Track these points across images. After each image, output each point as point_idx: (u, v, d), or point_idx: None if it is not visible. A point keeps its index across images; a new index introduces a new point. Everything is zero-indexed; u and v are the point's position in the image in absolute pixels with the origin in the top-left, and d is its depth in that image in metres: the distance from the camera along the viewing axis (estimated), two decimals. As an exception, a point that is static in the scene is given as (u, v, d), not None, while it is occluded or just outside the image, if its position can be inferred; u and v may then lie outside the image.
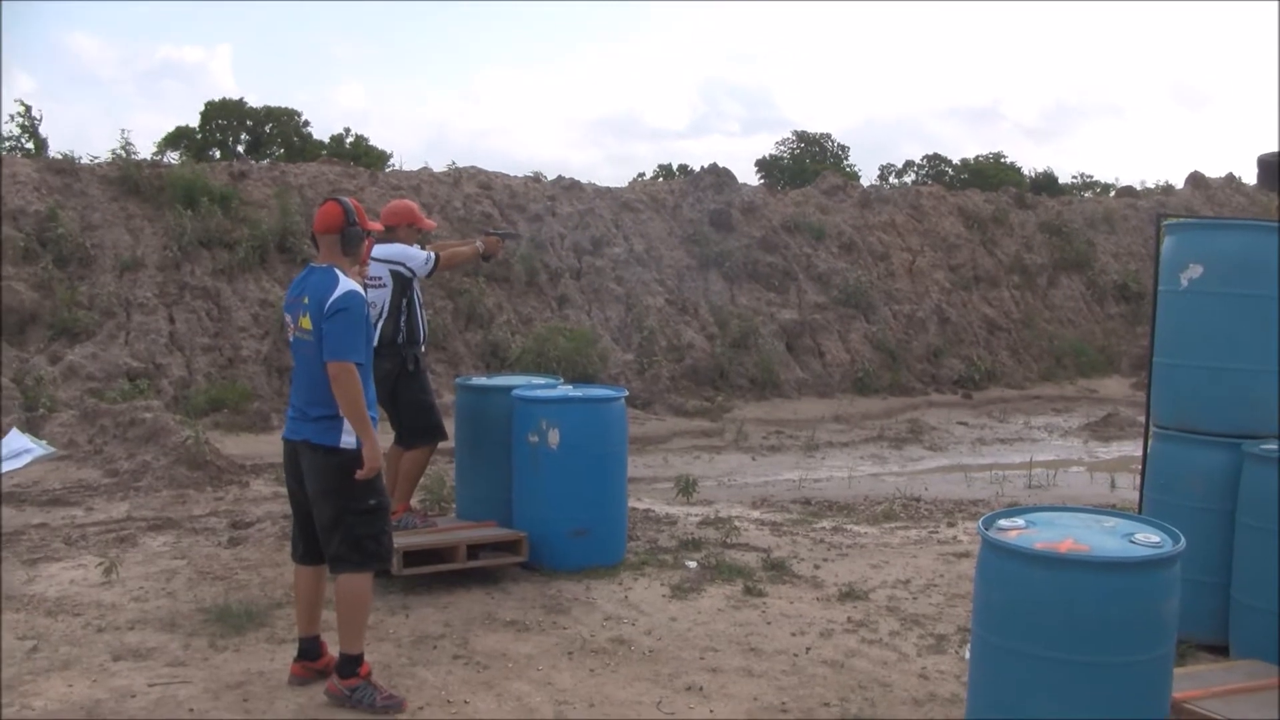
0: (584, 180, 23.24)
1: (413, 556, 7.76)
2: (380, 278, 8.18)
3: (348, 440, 5.83)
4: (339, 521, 5.87)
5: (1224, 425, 6.95)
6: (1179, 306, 7.23)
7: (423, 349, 8.56)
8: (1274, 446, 6.72)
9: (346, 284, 5.85)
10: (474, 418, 9.04)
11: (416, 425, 8.45)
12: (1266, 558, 6.51)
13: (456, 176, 21.80)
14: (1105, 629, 4.49)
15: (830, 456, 15.83)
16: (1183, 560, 4.73)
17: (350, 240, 6.01)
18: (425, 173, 22.17)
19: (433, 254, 8.37)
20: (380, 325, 8.16)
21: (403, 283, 8.26)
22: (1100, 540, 4.76)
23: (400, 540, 7.64)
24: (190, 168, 20.15)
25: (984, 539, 4.82)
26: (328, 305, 5.77)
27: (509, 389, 8.73)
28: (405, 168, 23.41)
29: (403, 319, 8.28)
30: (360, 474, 5.80)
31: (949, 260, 24.55)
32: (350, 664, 5.86)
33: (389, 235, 8.30)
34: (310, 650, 6.20)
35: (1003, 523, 4.99)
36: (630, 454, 10.05)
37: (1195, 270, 7.07)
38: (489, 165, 22.79)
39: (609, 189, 23.22)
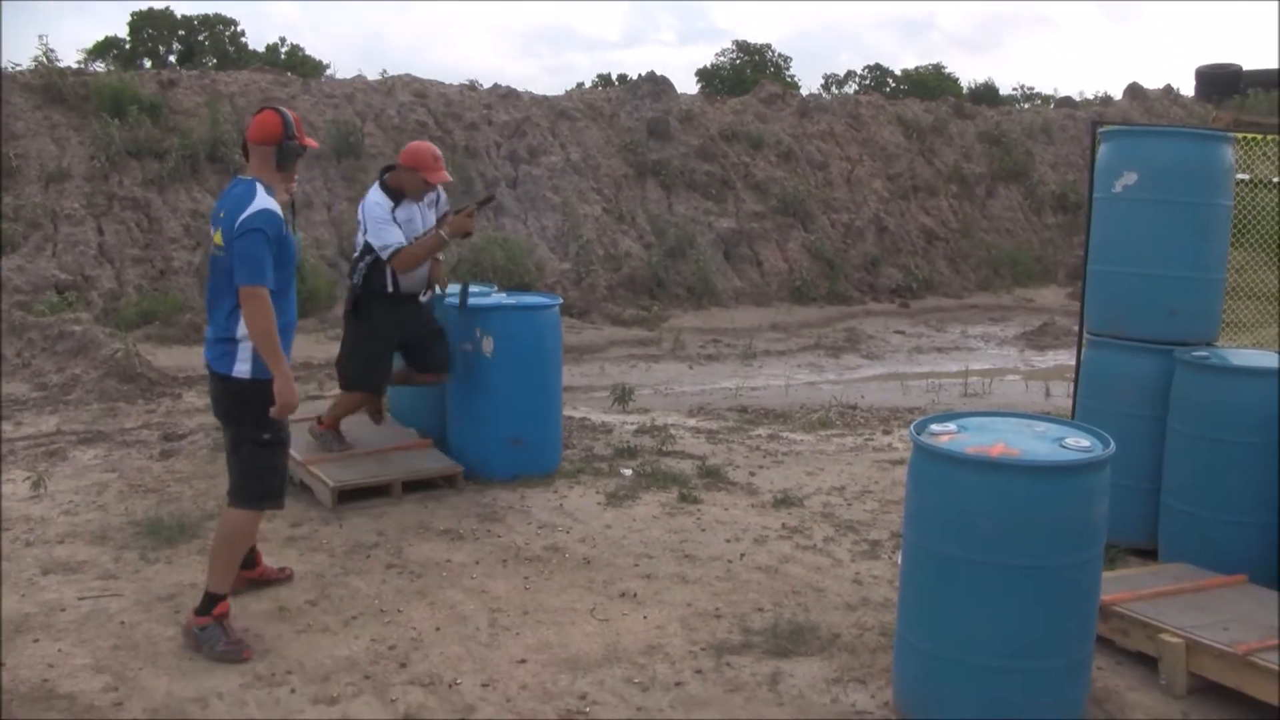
0: (520, 89, 23.00)
1: (347, 495, 7.68)
2: (360, 223, 7.98)
3: (240, 369, 5.54)
4: (236, 450, 5.71)
5: (1156, 332, 6.99)
6: (1113, 213, 7.24)
7: (389, 292, 8.03)
8: (1205, 353, 6.78)
9: (262, 201, 5.49)
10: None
11: (344, 362, 8.36)
12: (1195, 463, 6.58)
13: (390, 85, 21.49)
14: (1035, 532, 4.51)
15: (767, 365, 15.87)
16: (1113, 465, 4.75)
17: (286, 155, 5.67)
18: (359, 81, 21.83)
19: (399, 249, 7.80)
20: (354, 259, 8.08)
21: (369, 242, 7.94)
22: (1031, 444, 4.77)
23: (336, 477, 7.68)
24: (117, 76, 19.75)
25: (915, 443, 4.82)
26: (239, 223, 5.42)
27: (443, 297, 8.66)
28: (340, 76, 23.09)
29: (363, 264, 7.97)
30: (274, 411, 5.54)
31: (887, 169, 24.52)
32: (209, 602, 5.59)
33: (393, 173, 8.00)
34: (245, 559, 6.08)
35: (934, 427, 4.99)
36: (567, 363, 10.05)
37: (1130, 177, 7.08)
38: (425, 76, 22.49)
39: (545, 97, 22.96)
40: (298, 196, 6.26)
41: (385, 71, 22.39)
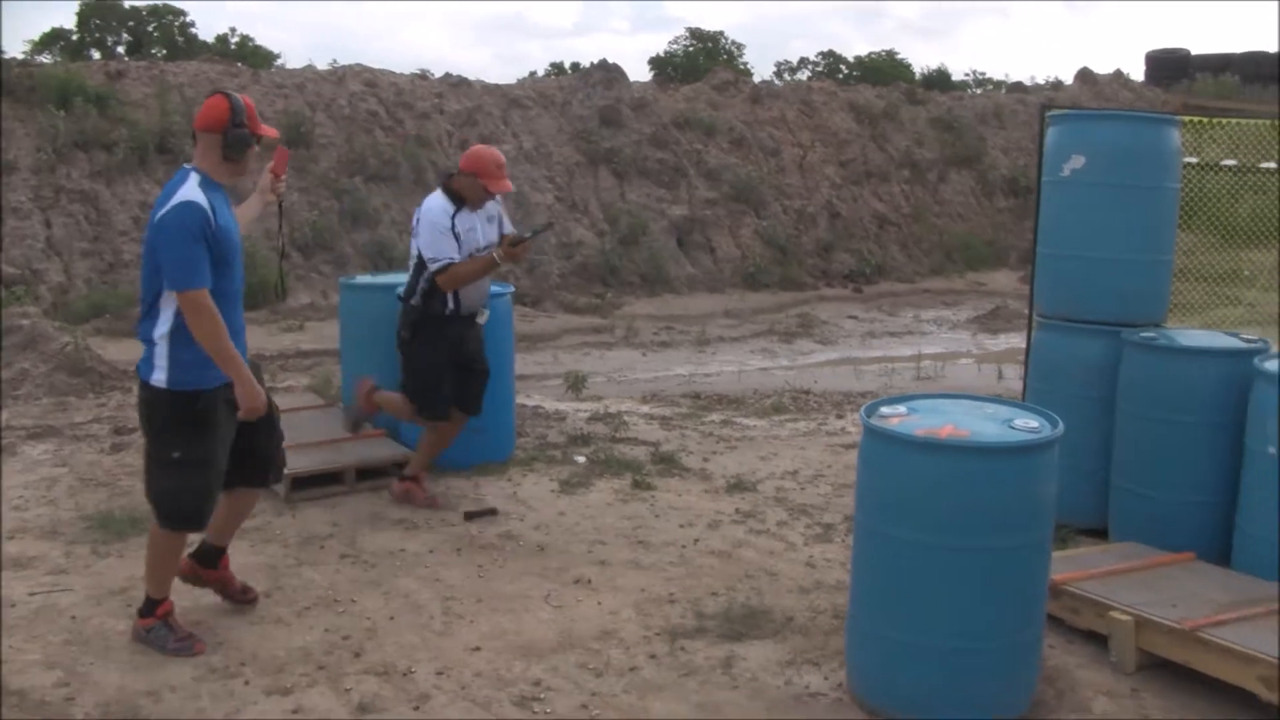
0: (473, 78, 22.93)
1: (301, 481, 7.64)
2: (414, 229, 7.39)
3: (158, 376, 5.14)
4: (150, 465, 5.39)
5: (1104, 314, 7.05)
6: (1061, 197, 7.31)
7: (447, 313, 7.37)
8: (1153, 334, 6.84)
9: (187, 193, 5.03)
10: (359, 317, 8.92)
11: (410, 389, 7.59)
12: (1143, 443, 6.65)
13: (341, 75, 21.38)
14: (984, 513, 4.55)
15: (720, 351, 15.90)
16: (1064, 447, 4.80)
17: (233, 144, 5.18)
18: (310, 71, 21.73)
19: (448, 265, 7.13)
20: (411, 275, 7.40)
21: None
22: (980, 426, 4.80)
23: (290, 465, 7.52)
24: (64, 67, 19.58)
25: (865, 426, 4.84)
26: (157, 217, 5.03)
27: (393, 287, 8.62)
28: (290, 67, 22.97)
29: (421, 281, 7.29)
30: (240, 415, 5.23)
31: (839, 155, 24.58)
32: (150, 605, 5.47)
33: (454, 179, 7.35)
34: (207, 554, 5.79)
35: (885, 410, 5.02)
36: (520, 352, 10.04)
37: (1077, 161, 7.14)
38: (377, 66, 22.39)
39: (497, 86, 22.91)
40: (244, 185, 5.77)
41: (335, 61, 22.29)
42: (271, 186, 5.81)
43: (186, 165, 5.28)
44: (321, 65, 22.43)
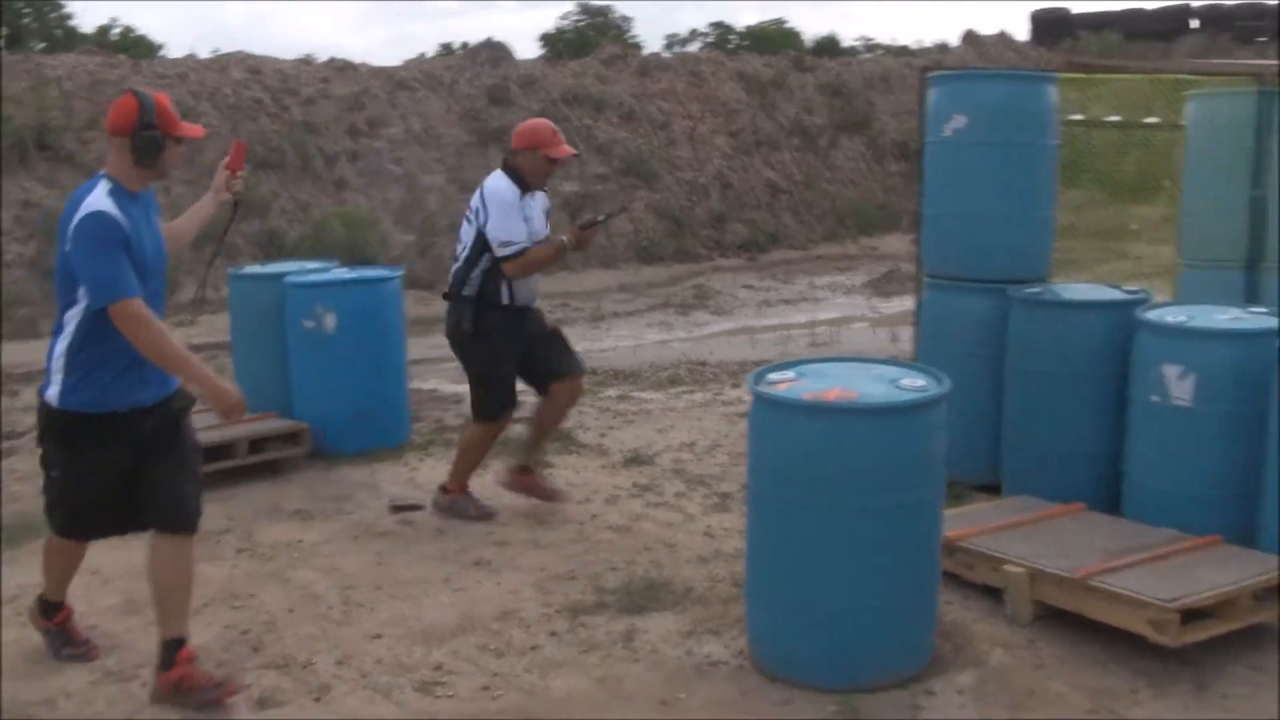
0: (358, 62, 22.73)
1: None
2: (477, 211, 6.79)
3: (50, 392, 4.82)
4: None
5: (989, 271, 7.12)
6: (944, 156, 7.36)
7: (504, 304, 6.82)
8: (1038, 289, 6.93)
9: (92, 202, 4.61)
10: (249, 308, 8.84)
11: (476, 398, 7.17)
12: (1031, 397, 6.74)
13: (224, 63, 21.08)
14: (873, 473, 4.59)
15: (616, 326, 15.92)
16: (954, 404, 4.85)
17: (142, 147, 4.72)
18: (191, 60, 21.38)
19: (523, 250, 6.65)
20: (454, 269, 6.93)
21: (483, 239, 6.74)
22: (868, 387, 4.84)
23: None
24: (-67, 64, 19.13)
25: (754, 393, 4.86)
26: (69, 232, 4.63)
27: (281, 277, 8.54)
28: (172, 56, 22.63)
29: (475, 271, 6.77)
30: (222, 420, 4.92)
31: (729, 126, 24.64)
32: (48, 609, 5.35)
33: (514, 158, 6.90)
34: (163, 658, 4.93)
35: (772, 376, 5.04)
36: (414, 335, 9.98)
37: (959, 120, 7.18)
38: (261, 53, 22.11)
39: (384, 68, 22.70)
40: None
41: (218, 50, 22.00)
42: (226, 184, 5.44)
43: (100, 172, 4.88)
44: (204, 54, 22.07)
